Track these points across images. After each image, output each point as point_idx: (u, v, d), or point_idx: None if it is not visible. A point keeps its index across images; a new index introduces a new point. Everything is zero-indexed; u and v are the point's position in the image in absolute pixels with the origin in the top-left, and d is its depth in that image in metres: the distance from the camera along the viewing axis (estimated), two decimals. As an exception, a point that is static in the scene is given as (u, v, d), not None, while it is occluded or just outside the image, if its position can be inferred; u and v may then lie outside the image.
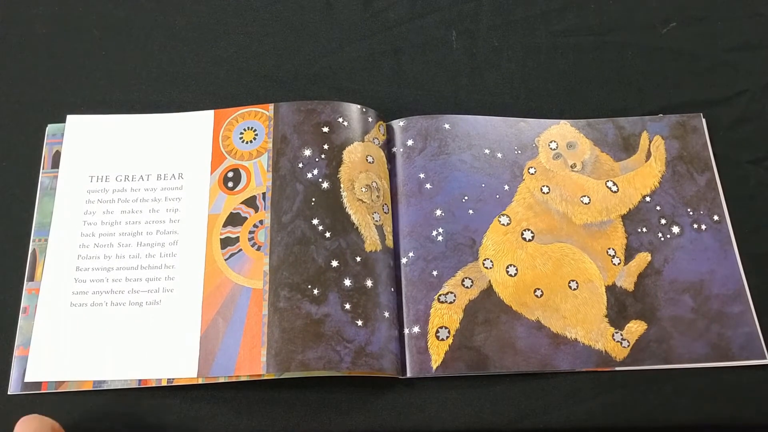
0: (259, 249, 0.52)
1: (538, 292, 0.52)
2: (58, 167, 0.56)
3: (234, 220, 0.53)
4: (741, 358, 0.50)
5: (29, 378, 0.49)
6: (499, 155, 0.57)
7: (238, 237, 0.53)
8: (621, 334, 0.51)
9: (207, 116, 0.57)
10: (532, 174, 0.56)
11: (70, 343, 0.50)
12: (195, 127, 0.57)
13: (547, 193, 0.56)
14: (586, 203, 0.55)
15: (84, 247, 0.53)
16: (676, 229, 0.54)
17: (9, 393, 0.49)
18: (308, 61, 0.62)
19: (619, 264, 0.53)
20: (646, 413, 0.49)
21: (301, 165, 0.54)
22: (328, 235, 0.52)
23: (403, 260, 0.53)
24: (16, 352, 0.50)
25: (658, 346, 0.51)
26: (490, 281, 0.52)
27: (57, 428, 0.45)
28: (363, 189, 0.54)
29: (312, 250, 0.51)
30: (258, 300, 0.50)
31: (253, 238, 0.52)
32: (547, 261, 0.53)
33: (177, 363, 0.49)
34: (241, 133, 0.56)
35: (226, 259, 0.52)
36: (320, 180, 0.53)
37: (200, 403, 0.49)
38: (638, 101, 0.60)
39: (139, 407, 0.49)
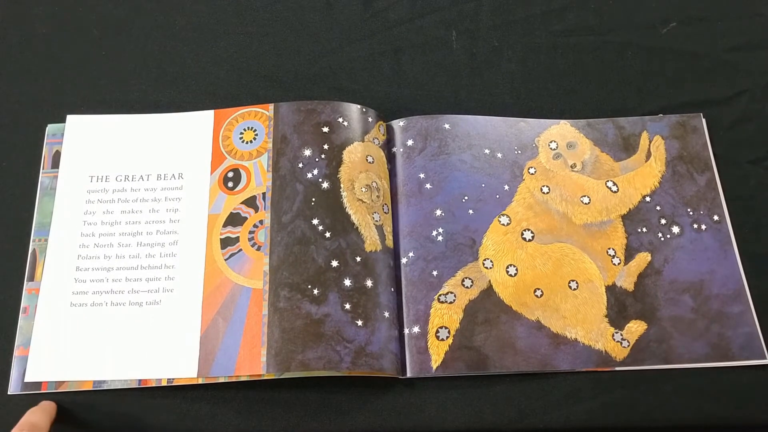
0: (259, 249, 0.52)
1: (538, 292, 0.52)
2: (58, 167, 0.56)
3: (234, 220, 0.53)
4: (741, 358, 0.50)
5: (29, 378, 0.49)
6: (499, 155, 0.57)
7: (238, 237, 0.53)
8: (621, 334, 0.51)
9: (207, 116, 0.57)
10: (532, 174, 0.56)
11: (70, 343, 0.50)
12: (195, 127, 0.57)
13: (547, 193, 0.56)
14: (586, 203, 0.55)
15: (84, 247, 0.53)
16: (676, 229, 0.54)
17: (9, 393, 0.49)
18: (308, 61, 0.62)
19: (619, 264, 0.53)
20: (646, 413, 0.49)
21: (301, 165, 0.54)
22: (328, 235, 0.52)
23: (403, 260, 0.53)
24: (16, 352, 0.50)
25: (658, 346, 0.51)
26: (490, 281, 0.52)
27: (50, 409, 0.46)
28: (363, 189, 0.54)
29: (312, 250, 0.51)
30: (258, 300, 0.50)
31: (253, 238, 0.52)
32: (547, 261, 0.53)
33: (177, 363, 0.49)
34: (241, 133, 0.56)
35: (226, 259, 0.52)
36: (320, 180, 0.53)
37: (200, 403, 0.49)
38: (638, 101, 0.60)
39: (139, 407, 0.49)
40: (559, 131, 0.58)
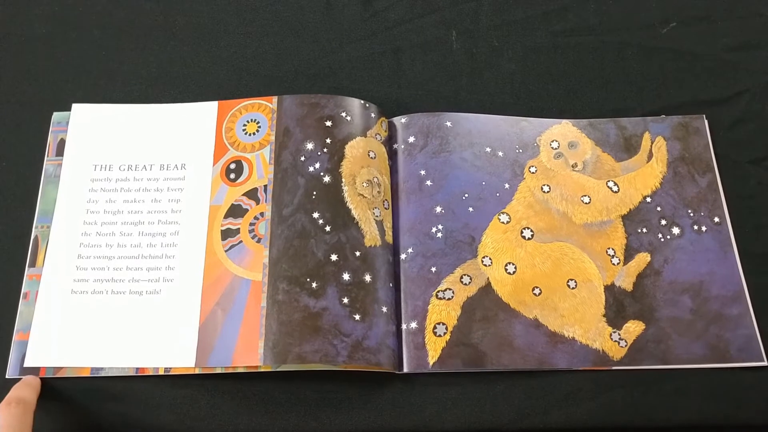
0: (259, 241, 0.52)
1: (537, 291, 0.52)
2: (62, 155, 0.56)
3: (235, 211, 0.54)
4: (739, 360, 0.50)
5: (28, 363, 0.50)
6: (500, 154, 0.57)
7: (238, 229, 0.53)
8: (619, 334, 0.51)
9: (211, 107, 0.58)
10: (533, 173, 0.56)
11: (69, 330, 0.50)
12: (198, 118, 0.57)
13: (548, 192, 0.56)
14: (586, 203, 0.55)
15: (86, 235, 0.54)
16: (676, 230, 0.54)
17: (7, 377, 0.50)
18: (308, 61, 0.62)
19: (618, 264, 0.53)
20: (645, 414, 0.49)
21: (303, 158, 0.54)
22: (328, 229, 0.52)
23: (402, 256, 0.53)
24: (15, 337, 0.51)
25: (655, 347, 0.51)
26: (488, 279, 0.53)
27: (36, 384, 0.47)
28: (364, 184, 0.54)
29: (312, 244, 0.51)
30: (257, 292, 0.51)
31: (253, 231, 0.53)
32: (546, 260, 0.53)
33: (175, 352, 0.49)
34: (244, 125, 0.57)
35: (226, 251, 0.52)
36: (322, 174, 0.54)
37: (197, 391, 0.50)
38: (638, 101, 0.60)
39: (136, 395, 0.49)
40: (561, 131, 0.58)
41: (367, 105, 0.57)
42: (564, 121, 0.59)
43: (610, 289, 0.53)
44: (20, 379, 0.49)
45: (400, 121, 0.58)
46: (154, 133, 0.57)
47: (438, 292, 0.52)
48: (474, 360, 0.50)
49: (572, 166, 0.57)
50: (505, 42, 0.63)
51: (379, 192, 0.54)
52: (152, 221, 0.54)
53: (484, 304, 0.52)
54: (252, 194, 0.54)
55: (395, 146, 0.57)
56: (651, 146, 0.57)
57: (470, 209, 0.55)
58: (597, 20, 0.63)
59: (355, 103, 0.56)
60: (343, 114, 0.56)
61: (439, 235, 0.54)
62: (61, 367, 0.50)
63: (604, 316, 0.52)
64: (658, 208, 0.55)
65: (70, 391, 0.50)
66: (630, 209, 0.55)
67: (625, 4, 0.64)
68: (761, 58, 0.61)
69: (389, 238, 0.53)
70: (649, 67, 0.61)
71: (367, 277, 0.51)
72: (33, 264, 0.53)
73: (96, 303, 0.51)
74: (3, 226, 0.55)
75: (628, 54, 0.62)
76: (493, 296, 0.52)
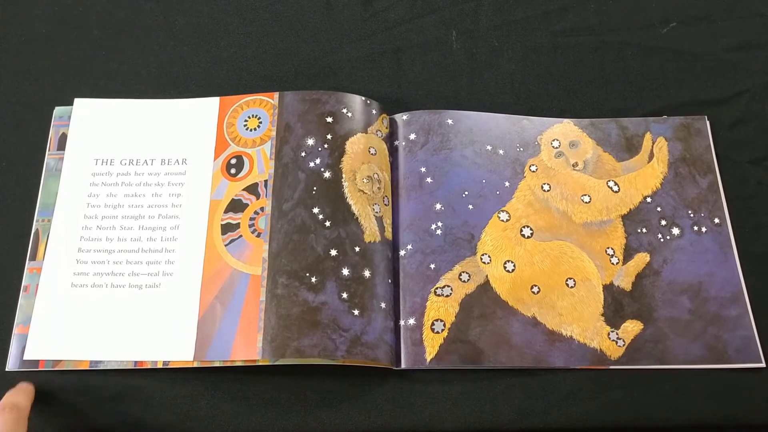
0: (259, 236, 0.52)
1: (535, 289, 0.52)
2: (64, 149, 0.57)
3: (235, 206, 0.54)
4: (737, 361, 0.50)
5: (28, 356, 0.50)
6: (501, 152, 0.57)
7: (238, 223, 0.53)
8: (617, 333, 0.51)
9: (212, 103, 0.58)
10: (534, 171, 0.56)
11: (69, 323, 0.51)
12: (200, 113, 0.58)
13: (548, 191, 0.56)
14: (586, 202, 0.55)
15: (87, 228, 0.54)
16: (676, 231, 0.54)
17: (7, 369, 0.50)
18: (308, 61, 0.62)
19: (617, 263, 0.53)
20: (645, 414, 0.49)
21: (303, 154, 0.54)
22: (328, 224, 0.52)
23: (402, 252, 0.53)
24: (15, 330, 0.51)
25: (653, 347, 0.51)
26: (487, 276, 0.53)
27: (30, 390, 0.46)
28: (364, 180, 0.54)
29: (311, 239, 0.52)
30: (256, 286, 0.51)
31: (253, 225, 0.53)
32: (545, 258, 0.53)
33: (174, 346, 0.50)
34: (246, 121, 0.57)
35: (226, 245, 0.53)
36: (322, 169, 0.54)
37: (197, 393, 0.50)
38: (638, 101, 0.60)
39: (136, 394, 0.49)
40: (562, 130, 0.58)
41: (369, 101, 0.57)
42: (565, 120, 0.59)
43: (608, 289, 0.53)
44: (20, 372, 0.50)
45: (401, 117, 0.58)
46: (155, 128, 0.57)
47: (436, 288, 0.52)
48: (471, 357, 0.50)
49: (573, 166, 0.57)
50: (505, 42, 0.63)
51: (379, 188, 0.54)
52: (153, 215, 0.54)
53: (482, 302, 0.52)
54: (252, 189, 0.54)
55: (396, 143, 0.57)
56: (652, 146, 0.57)
57: (470, 207, 0.55)
58: (597, 20, 0.63)
59: (357, 100, 0.56)
60: (344, 110, 0.56)
61: (439, 232, 0.54)
62: (61, 360, 0.50)
63: (602, 315, 0.52)
64: (659, 209, 0.55)
65: (68, 383, 0.50)
66: (630, 209, 0.55)
67: (625, 4, 0.64)
68: (761, 58, 0.61)
69: (389, 234, 0.53)
70: (649, 67, 0.61)
71: (367, 273, 0.51)
72: (33, 257, 0.53)
73: (96, 296, 0.51)
74: (4, 219, 0.55)
75: (628, 54, 0.62)
76: (492, 294, 0.52)
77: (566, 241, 0.54)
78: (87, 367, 0.50)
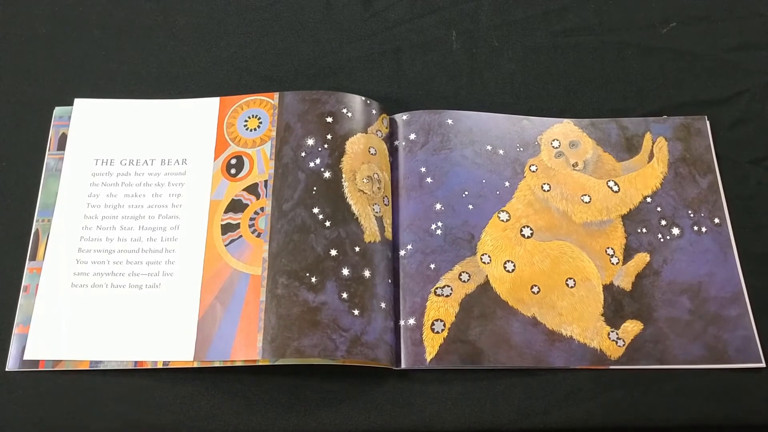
0: (259, 236, 0.52)
1: (535, 289, 0.52)
2: (64, 149, 0.57)
3: (235, 206, 0.54)
4: (737, 361, 0.50)
5: (28, 356, 0.50)
6: (501, 152, 0.57)
7: (238, 223, 0.53)
8: (617, 333, 0.51)
9: (212, 103, 0.58)
10: (534, 171, 0.56)
11: (69, 323, 0.51)
12: (200, 113, 0.58)
13: (548, 190, 0.56)
14: (586, 202, 0.55)
15: (87, 228, 0.54)
16: (676, 231, 0.54)
17: (7, 369, 0.50)
18: (308, 61, 0.62)
19: (617, 263, 0.53)
20: (645, 414, 0.49)
21: (303, 154, 0.54)
22: (328, 224, 0.52)
23: (402, 252, 0.53)
24: (15, 330, 0.51)
25: (653, 347, 0.51)
26: (487, 276, 0.53)
27: None
28: (364, 180, 0.54)
29: (311, 239, 0.52)
30: (256, 286, 0.51)
31: (253, 225, 0.53)
32: (545, 258, 0.53)
33: (174, 346, 0.50)
34: (246, 121, 0.57)
35: (226, 245, 0.53)
36: (322, 169, 0.54)
37: (197, 393, 0.50)
38: (638, 101, 0.60)
39: (136, 394, 0.49)
40: (562, 130, 0.58)
41: (369, 101, 0.57)
42: (565, 120, 0.59)
43: (608, 289, 0.53)
44: (20, 372, 0.50)
45: (401, 117, 0.58)
46: (155, 128, 0.57)
47: (436, 288, 0.52)
48: (471, 357, 0.50)
49: (573, 166, 0.57)
50: (505, 42, 0.63)
51: (379, 188, 0.54)
52: (153, 215, 0.54)
53: (482, 302, 0.52)
54: (252, 189, 0.54)
55: (396, 143, 0.57)
56: (652, 146, 0.57)
57: (470, 207, 0.55)
58: (597, 20, 0.64)
59: (357, 100, 0.56)
60: (344, 110, 0.56)
61: (439, 232, 0.54)
62: (61, 360, 0.50)
63: (602, 315, 0.52)
64: (659, 209, 0.55)
65: (69, 383, 0.50)
66: (630, 209, 0.55)
67: (625, 4, 0.64)
68: (761, 58, 0.61)
69: (389, 234, 0.53)
70: (649, 67, 0.61)
71: (367, 273, 0.51)
72: (33, 257, 0.53)
73: (96, 296, 0.51)
74: (4, 219, 0.55)
75: (628, 54, 0.62)
76: (492, 294, 0.52)
77: (566, 241, 0.54)
78: (87, 367, 0.50)
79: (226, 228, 0.53)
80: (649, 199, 0.55)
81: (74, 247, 0.53)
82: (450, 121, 0.57)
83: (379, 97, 0.58)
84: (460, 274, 0.52)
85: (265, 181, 0.54)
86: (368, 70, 0.62)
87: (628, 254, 0.54)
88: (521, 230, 0.54)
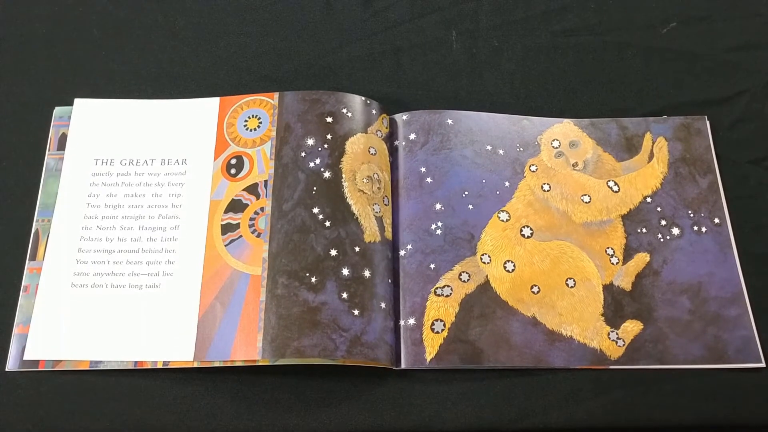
0: (259, 236, 0.52)
1: (535, 289, 0.52)
2: (64, 149, 0.57)
3: (235, 206, 0.54)
4: (737, 361, 0.50)
5: (28, 356, 0.50)
6: (501, 152, 0.57)
7: (238, 223, 0.53)
8: (617, 333, 0.51)
9: (212, 103, 0.58)
10: (534, 171, 0.56)
11: (69, 323, 0.51)
12: (200, 113, 0.58)
13: (548, 190, 0.56)
14: (586, 202, 0.55)
15: (87, 228, 0.54)
16: (676, 231, 0.54)
17: (7, 369, 0.50)
18: (308, 61, 0.62)
19: (617, 263, 0.53)
20: (645, 414, 0.49)
21: (303, 154, 0.54)
22: (327, 224, 0.52)
23: (402, 252, 0.53)
24: (15, 330, 0.51)
25: (653, 347, 0.51)
26: (487, 276, 0.53)
27: None
28: (364, 180, 0.54)
29: (311, 239, 0.52)
30: (256, 286, 0.51)
31: (253, 225, 0.53)
32: (545, 258, 0.53)
33: (174, 346, 0.50)
34: (246, 121, 0.57)
35: (226, 245, 0.53)
36: (322, 169, 0.54)
37: (197, 393, 0.50)
38: (638, 101, 0.60)
39: (136, 394, 0.49)
40: (562, 130, 0.58)
41: (369, 101, 0.57)
42: (565, 120, 0.59)
43: (608, 289, 0.53)
44: (20, 372, 0.50)
45: (401, 117, 0.58)
46: (155, 128, 0.57)
47: (436, 288, 0.52)
48: (471, 357, 0.50)
49: (573, 165, 0.57)
50: (505, 42, 0.63)
51: (379, 188, 0.54)
52: (153, 215, 0.54)
53: (482, 302, 0.52)
54: (252, 189, 0.54)
55: (396, 143, 0.57)
56: (652, 146, 0.57)
57: (470, 207, 0.55)
58: (597, 20, 0.64)
59: (357, 100, 0.56)
60: (344, 110, 0.56)
61: (439, 232, 0.54)
62: (61, 360, 0.50)
63: (602, 315, 0.52)
64: (659, 209, 0.55)
65: (69, 384, 0.50)
66: (630, 209, 0.55)
67: (625, 4, 0.64)
68: (761, 58, 0.61)
69: (389, 234, 0.53)
70: (649, 67, 0.61)
71: (366, 273, 0.51)
72: (33, 257, 0.53)
73: (96, 296, 0.52)
74: (4, 219, 0.55)
75: (628, 54, 0.62)
76: (492, 294, 0.52)
77: (566, 241, 0.54)
78: (87, 367, 0.50)
79: (226, 228, 0.53)
80: (649, 199, 0.55)
81: (74, 247, 0.53)
82: (450, 121, 0.57)
83: (379, 97, 0.58)
84: (460, 274, 0.52)
85: (265, 181, 0.54)
86: (368, 70, 0.62)
87: (628, 254, 0.54)
88: (521, 230, 0.54)
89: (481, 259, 0.53)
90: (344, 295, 0.50)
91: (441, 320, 0.51)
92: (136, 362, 0.50)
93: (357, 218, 0.53)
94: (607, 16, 0.64)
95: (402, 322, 0.51)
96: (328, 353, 0.48)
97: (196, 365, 0.49)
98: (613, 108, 0.60)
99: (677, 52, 0.62)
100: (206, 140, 0.57)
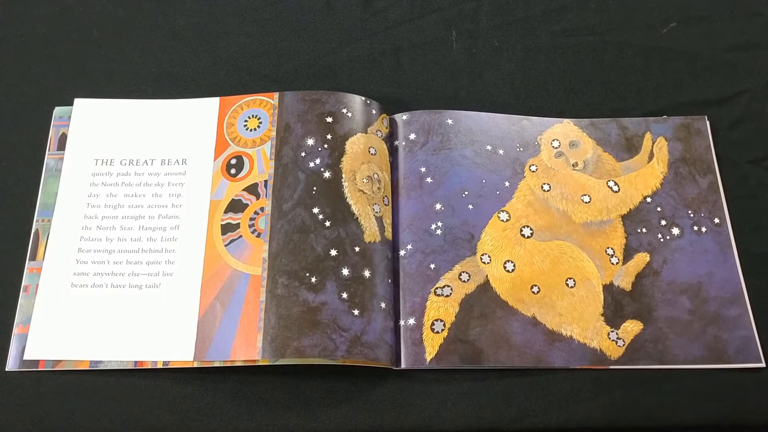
0: (259, 236, 0.52)
1: (535, 289, 0.52)
2: (64, 149, 0.57)
3: (235, 206, 0.54)
4: (737, 361, 0.50)
5: (28, 356, 0.50)
6: (501, 152, 0.57)
7: (238, 223, 0.53)
8: (617, 333, 0.51)
9: (212, 103, 0.58)
10: (534, 171, 0.57)
11: (69, 323, 0.51)
12: (200, 113, 0.58)
13: (548, 190, 0.56)
14: (586, 202, 0.55)
15: (87, 228, 0.54)
16: (676, 231, 0.54)
17: (7, 369, 0.50)
18: (308, 61, 0.62)
19: (617, 263, 0.53)
20: (645, 414, 0.49)
21: (303, 154, 0.54)
22: (327, 224, 0.52)
23: (402, 252, 0.53)
24: (15, 330, 0.51)
25: (653, 347, 0.51)
26: (487, 276, 0.53)
27: None
28: (364, 180, 0.54)
29: (311, 239, 0.52)
30: (256, 286, 0.51)
31: (253, 225, 0.53)
32: (545, 258, 0.53)
33: (174, 346, 0.50)
34: (246, 121, 0.57)
35: (226, 245, 0.53)
36: (322, 169, 0.54)
37: (197, 393, 0.50)
38: (638, 101, 0.60)
39: (136, 394, 0.49)
40: (562, 130, 0.58)
41: (369, 101, 0.57)
42: (565, 120, 0.59)
43: (608, 289, 0.53)
44: (20, 372, 0.50)
45: (401, 117, 0.58)
46: (155, 128, 0.57)
47: (436, 288, 0.52)
48: (471, 357, 0.50)
49: (573, 165, 0.57)
50: (505, 42, 0.63)
51: (379, 188, 0.54)
52: (153, 215, 0.54)
53: (482, 302, 0.52)
54: (252, 189, 0.54)
55: (396, 143, 0.57)
56: (652, 146, 0.57)
57: (470, 207, 0.55)
58: (597, 20, 0.64)
59: (357, 100, 0.56)
60: (344, 110, 0.56)
61: (439, 232, 0.54)
62: (61, 360, 0.50)
63: (602, 315, 0.52)
64: (659, 209, 0.55)
65: (68, 384, 0.50)
66: (630, 209, 0.55)
67: (625, 4, 0.64)
68: (761, 58, 0.61)
69: (389, 234, 0.53)
70: (649, 67, 0.61)
71: (366, 273, 0.51)
72: (33, 257, 0.53)
73: (96, 296, 0.52)
74: (4, 219, 0.55)
75: (628, 54, 0.62)
76: (492, 294, 0.52)
77: (566, 241, 0.54)
78: (87, 367, 0.50)
79: (226, 228, 0.53)
80: (649, 199, 0.56)
81: (74, 247, 0.53)
82: (450, 121, 0.57)
83: (379, 97, 0.58)
84: (460, 274, 0.52)
85: (265, 181, 0.54)
86: (368, 70, 0.62)
87: (628, 254, 0.54)
88: (521, 230, 0.54)
89: (481, 259, 0.53)
90: (344, 295, 0.50)
91: (441, 320, 0.51)
92: (136, 362, 0.50)
93: (357, 218, 0.53)
94: (607, 16, 0.64)
95: (402, 322, 0.51)
96: (328, 353, 0.48)
97: (196, 365, 0.49)
98: (613, 108, 0.60)
99: (677, 52, 0.62)
100: (206, 140, 0.57)
